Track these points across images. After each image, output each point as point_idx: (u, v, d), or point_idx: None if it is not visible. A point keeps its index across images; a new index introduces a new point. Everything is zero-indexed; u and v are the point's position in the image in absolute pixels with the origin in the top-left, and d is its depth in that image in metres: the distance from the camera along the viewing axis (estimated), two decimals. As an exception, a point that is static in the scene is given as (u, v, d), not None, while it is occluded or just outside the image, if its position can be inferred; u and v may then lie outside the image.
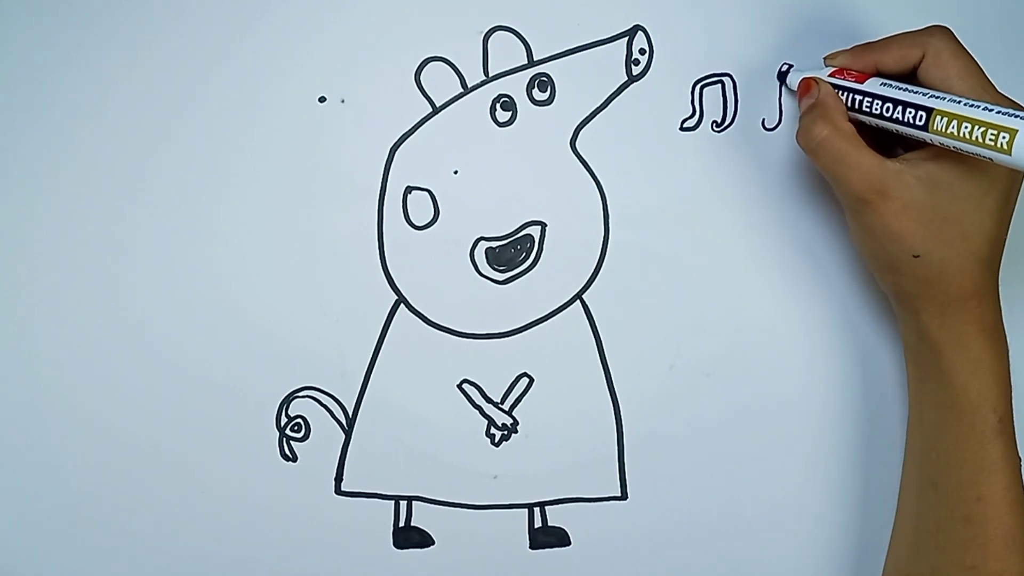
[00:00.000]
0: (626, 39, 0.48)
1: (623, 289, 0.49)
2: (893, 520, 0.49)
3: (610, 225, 0.49)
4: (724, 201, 0.49)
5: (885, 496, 0.51)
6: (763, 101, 0.49)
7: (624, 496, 0.50)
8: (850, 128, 0.43)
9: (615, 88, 0.48)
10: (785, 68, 0.48)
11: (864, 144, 0.43)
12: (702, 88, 0.49)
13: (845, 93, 0.44)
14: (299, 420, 0.49)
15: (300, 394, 0.49)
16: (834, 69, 0.46)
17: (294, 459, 0.49)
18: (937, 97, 0.41)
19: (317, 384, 0.49)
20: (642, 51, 0.48)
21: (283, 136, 0.48)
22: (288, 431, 0.49)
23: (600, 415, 0.50)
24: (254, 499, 0.49)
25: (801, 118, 0.45)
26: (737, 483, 0.51)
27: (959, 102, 0.40)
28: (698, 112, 0.49)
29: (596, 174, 0.49)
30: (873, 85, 0.44)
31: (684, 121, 0.49)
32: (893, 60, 0.44)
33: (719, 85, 0.49)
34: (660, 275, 0.49)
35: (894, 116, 0.42)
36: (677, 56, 0.48)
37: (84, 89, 0.47)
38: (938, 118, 0.40)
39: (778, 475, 0.51)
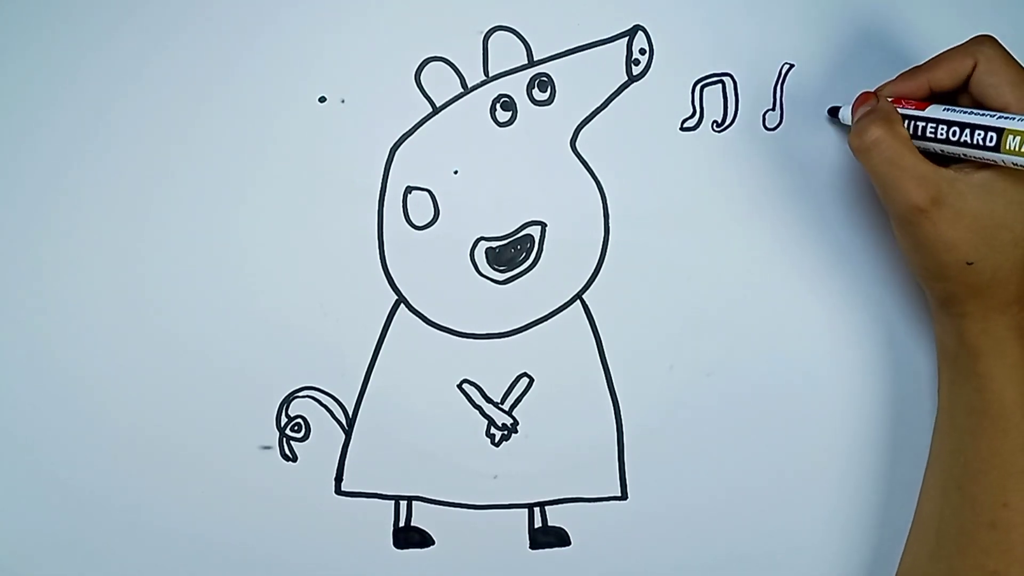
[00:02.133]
0: (626, 39, 0.48)
1: (623, 289, 0.49)
2: (899, 522, 0.49)
3: (610, 225, 0.49)
4: (724, 201, 0.49)
5: (890, 497, 0.51)
6: (764, 101, 0.49)
7: (624, 496, 0.50)
8: (905, 134, 0.43)
9: (615, 88, 0.48)
10: (833, 106, 0.48)
11: (918, 151, 0.43)
12: (702, 88, 0.49)
13: (907, 121, 0.44)
14: (299, 420, 0.49)
15: (300, 394, 0.49)
16: (891, 99, 0.45)
17: (294, 459, 0.49)
18: (1006, 118, 0.41)
19: (317, 384, 0.49)
20: (642, 51, 0.48)
21: (283, 136, 0.48)
22: (288, 431, 0.49)
23: (600, 415, 0.50)
24: (254, 499, 0.49)
25: (855, 123, 0.45)
26: (737, 483, 0.51)
27: None
28: (698, 112, 0.49)
29: (596, 174, 0.49)
30: (936, 111, 0.43)
31: (684, 121, 0.49)
32: (946, 75, 0.44)
33: (719, 85, 0.49)
34: (660, 275, 0.49)
35: (962, 139, 0.42)
36: (677, 56, 0.48)
37: (92, 93, 0.47)
38: (1010, 137, 0.40)
39: (779, 475, 0.51)
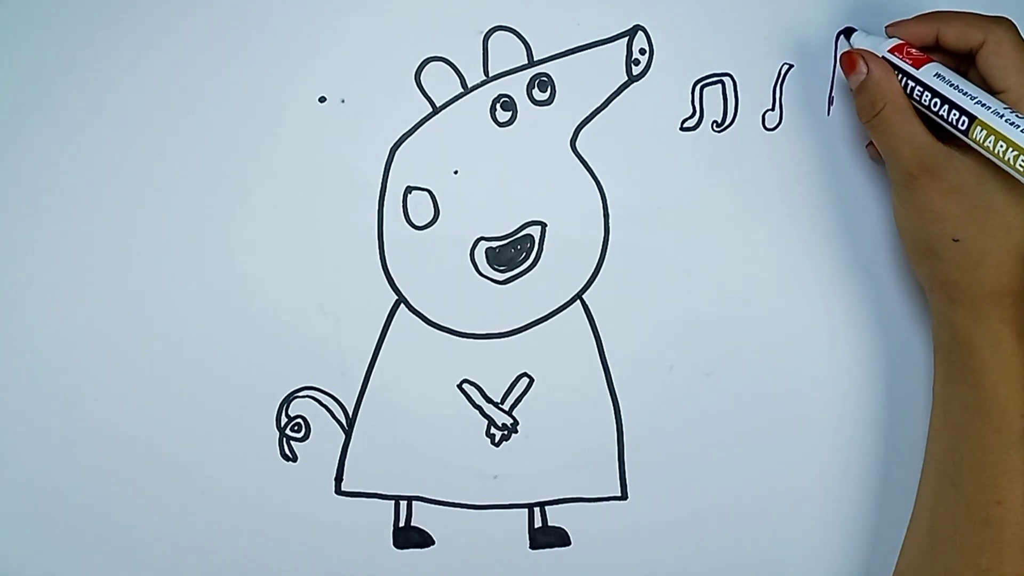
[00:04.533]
0: (626, 39, 0.48)
1: (623, 289, 0.49)
2: (898, 521, 0.49)
3: (610, 225, 0.49)
4: (724, 201, 0.49)
5: (890, 496, 0.51)
6: (763, 101, 0.49)
7: (624, 496, 0.50)
8: (907, 104, 0.44)
9: (615, 88, 0.48)
10: (846, 28, 0.48)
11: (920, 122, 0.44)
12: (702, 88, 0.49)
13: (900, 76, 0.45)
14: (299, 420, 0.49)
15: (300, 394, 0.49)
16: (895, 43, 0.45)
17: (294, 459, 0.49)
18: (984, 105, 0.41)
19: (317, 384, 0.49)
20: (642, 51, 0.48)
21: (283, 136, 0.48)
22: (288, 431, 0.49)
23: (600, 415, 0.50)
24: (254, 499, 0.49)
25: (857, 93, 0.46)
26: (738, 483, 0.51)
27: (1001, 116, 0.41)
28: (698, 112, 0.49)
29: (596, 174, 0.49)
30: (927, 74, 0.44)
31: (684, 121, 0.49)
32: (954, 34, 0.44)
33: (719, 85, 0.49)
34: (660, 275, 0.49)
35: (940, 112, 0.43)
36: (677, 56, 0.48)
37: (91, 92, 0.47)
38: (978, 129, 0.41)
39: (779, 475, 0.51)
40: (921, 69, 0.44)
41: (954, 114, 0.42)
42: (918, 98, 0.44)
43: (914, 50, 0.45)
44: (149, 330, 0.48)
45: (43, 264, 0.48)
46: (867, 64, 0.45)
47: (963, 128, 0.42)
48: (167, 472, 0.49)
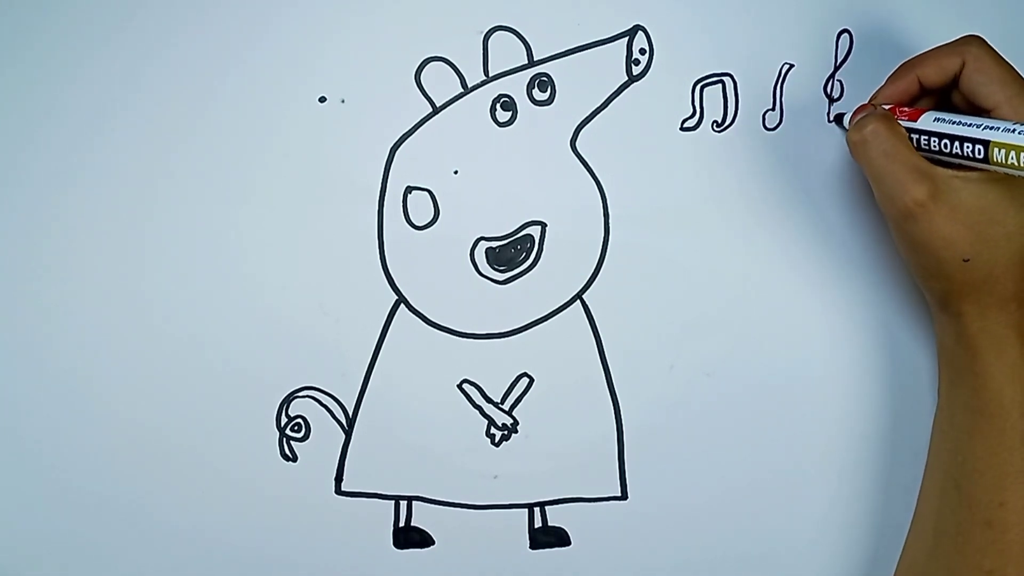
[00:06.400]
0: (626, 39, 0.48)
1: (623, 289, 0.49)
2: (899, 521, 0.49)
3: (610, 225, 0.49)
4: (724, 201, 0.49)
5: (891, 497, 0.51)
6: (764, 101, 0.49)
7: (624, 496, 0.50)
8: (902, 131, 0.44)
9: (615, 88, 0.48)
10: (839, 112, 0.49)
11: (914, 148, 0.43)
12: (702, 88, 0.49)
13: None
14: (299, 420, 0.49)
15: (300, 394, 0.49)
16: (887, 107, 0.46)
17: (294, 459, 0.49)
18: (992, 128, 0.41)
19: (317, 384, 0.49)
20: (642, 51, 0.48)
21: (283, 136, 0.48)
22: (288, 431, 0.49)
23: (600, 415, 0.50)
24: (254, 499, 0.49)
25: (853, 122, 0.45)
26: (738, 483, 0.51)
27: (1013, 130, 0.40)
28: (698, 112, 0.49)
29: (596, 174, 0.49)
30: (927, 122, 0.44)
31: (684, 121, 0.49)
32: (934, 71, 0.44)
33: (719, 85, 0.49)
34: (660, 275, 0.49)
35: (953, 151, 0.42)
36: (677, 56, 0.48)
37: (92, 93, 0.47)
38: (996, 150, 0.41)
39: (779, 475, 0.51)
40: (919, 120, 0.44)
41: (967, 146, 0.42)
42: (926, 146, 0.44)
43: (905, 108, 0.45)
44: (149, 330, 0.48)
45: (47, 263, 0.48)
46: (875, 108, 0.46)
47: (980, 156, 0.41)
48: (167, 471, 0.49)
